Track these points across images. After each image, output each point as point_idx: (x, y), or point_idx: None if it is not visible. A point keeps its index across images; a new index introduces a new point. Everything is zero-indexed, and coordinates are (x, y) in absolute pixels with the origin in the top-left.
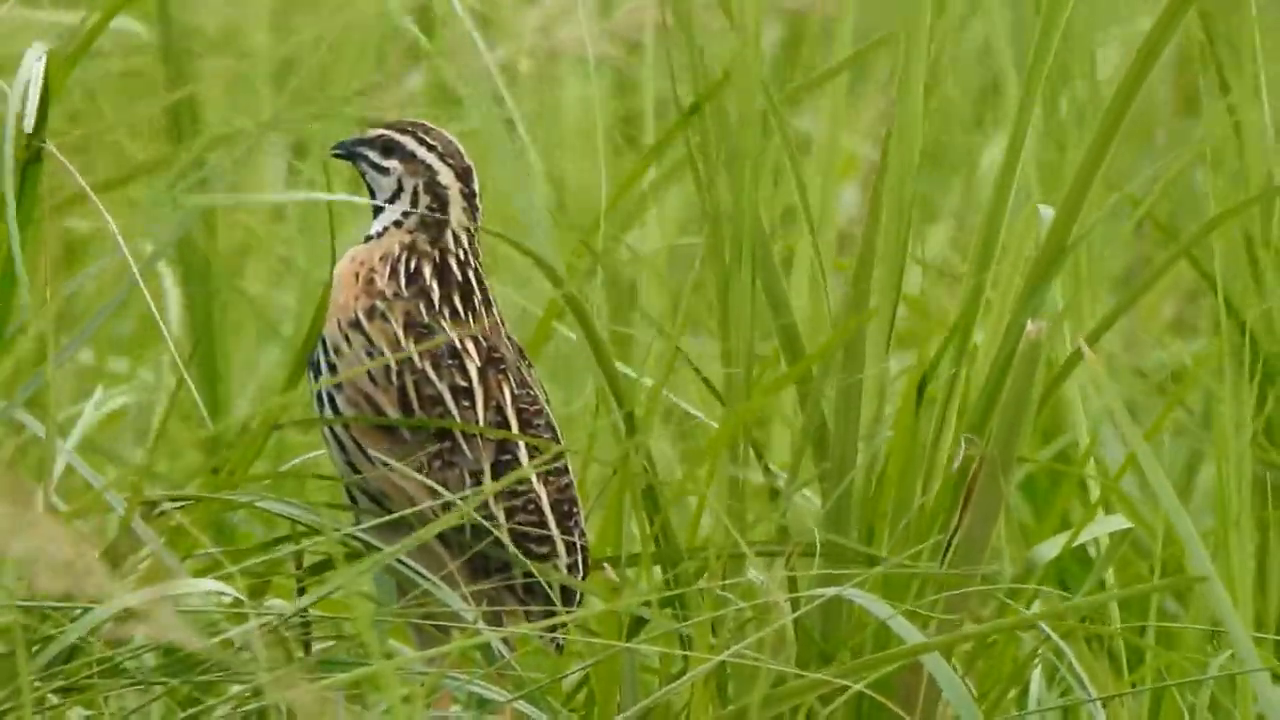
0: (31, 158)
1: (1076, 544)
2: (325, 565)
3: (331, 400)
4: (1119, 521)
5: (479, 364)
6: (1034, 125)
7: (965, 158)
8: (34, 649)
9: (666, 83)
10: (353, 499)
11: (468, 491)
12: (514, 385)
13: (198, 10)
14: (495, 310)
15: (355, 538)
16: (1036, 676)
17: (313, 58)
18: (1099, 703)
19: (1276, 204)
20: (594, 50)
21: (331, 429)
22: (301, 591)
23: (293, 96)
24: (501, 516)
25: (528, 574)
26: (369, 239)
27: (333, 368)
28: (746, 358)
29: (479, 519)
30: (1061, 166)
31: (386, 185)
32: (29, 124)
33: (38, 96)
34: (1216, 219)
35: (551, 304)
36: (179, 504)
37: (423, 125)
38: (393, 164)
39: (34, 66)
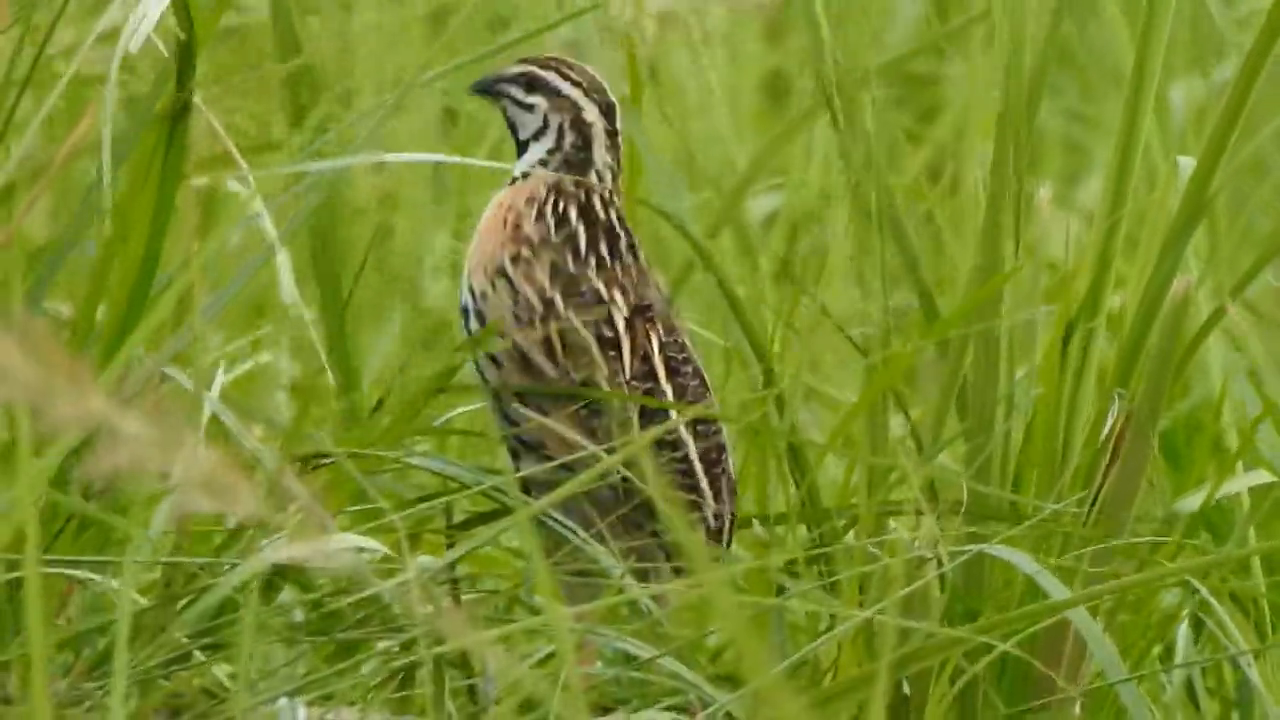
0: (178, 112)
1: (1219, 500)
2: (474, 523)
3: (488, 353)
4: (1261, 476)
5: (626, 314)
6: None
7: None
8: (181, 605)
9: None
10: (513, 453)
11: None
12: (661, 334)
13: None
14: (641, 254)
15: (504, 493)
16: (1183, 632)
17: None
18: (1248, 658)
19: None
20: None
21: (484, 376)
22: (450, 547)
23: (442, 48)
24: (651, 464)
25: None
26: (514, 180)
27: (480, 315)
28: (885, 315)
29: (629, 475)
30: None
31: (530, 122)
32: (137, 42)
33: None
34: None
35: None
36: (327, 460)
37: (565, 60)
38: (536, 100)
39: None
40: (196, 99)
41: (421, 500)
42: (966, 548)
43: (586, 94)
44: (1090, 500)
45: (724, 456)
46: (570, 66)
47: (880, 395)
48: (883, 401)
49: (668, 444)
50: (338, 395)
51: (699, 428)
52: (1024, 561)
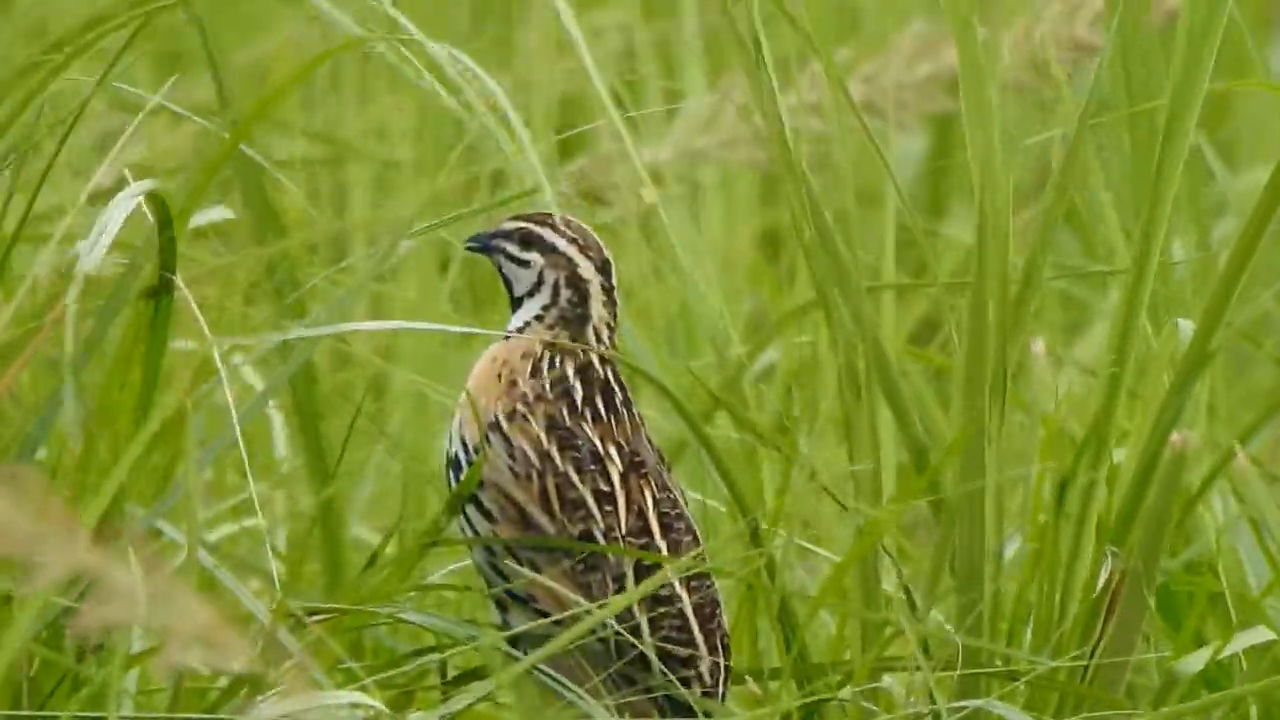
0: (161, 289)
1: (1219, 657)
2: (467, 678)
3: (476, 501)
4: (1262, 634)
5: (621, 469)
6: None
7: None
8: None
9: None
10: (500, 606)
11: (610, 600)
12: (655, 489)
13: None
14: (635, 410)
15: (498, 648)
16: None
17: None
18: None
19: None
20: (737, 156)
21: (473, 527)
22: (444, 702)
23: (433, 199)
24: (645, 624)
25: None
26: (508, 336)
27: (472, 465)
28: (874, 472)
29: (622, 631)
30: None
31: (525, 278)
32: (93, 261)
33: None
34: None
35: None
36: (321, 617)
37: (560, 216)
38: (532, 256)
39: (133, 198)
40: (178, 280)
41: (416, 655)
42: (963, 703)
43: (582, 250)
44: (1087, 658)
45: (718, 611)
46: (566, 223)
47: (871, 551)
48: (874, 558)
49: (663, 599)
50: (324, 551)
51: (693, 583)
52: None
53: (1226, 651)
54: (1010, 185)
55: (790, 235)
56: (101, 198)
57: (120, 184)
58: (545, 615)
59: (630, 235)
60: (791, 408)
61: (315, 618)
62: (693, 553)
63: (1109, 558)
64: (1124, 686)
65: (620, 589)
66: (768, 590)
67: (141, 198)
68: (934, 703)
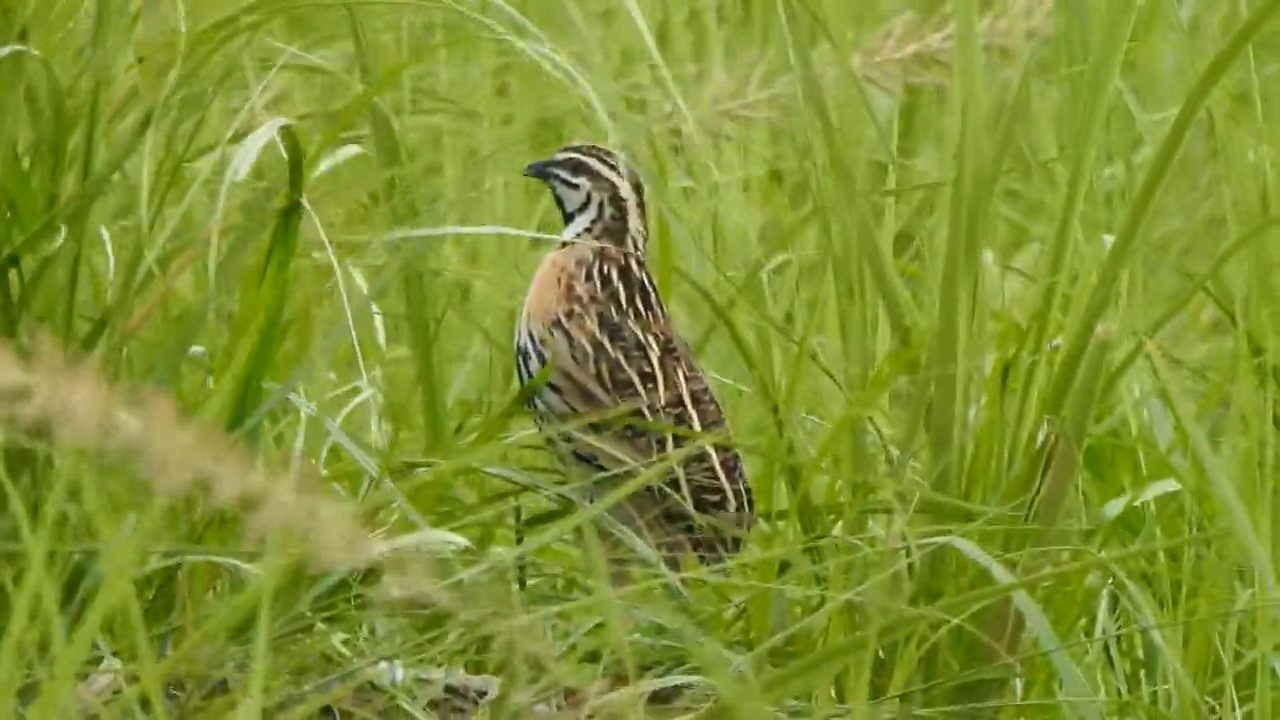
0: (291, 209)
1: (1134, 503)
2: (539, 521)
3: (549, 384)
4: (1169, 484)
5: (659, 354)
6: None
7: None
8: (305, 587)
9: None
10: (565, 465)
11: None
12: (686, 370)
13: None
14: (663, 306)
15: (563, 496)
16: (1102, 608)
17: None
18: (1155, 629)
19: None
20: (754, 115)
21: (545, 401)
22: (519, 541)
23: (505, 144)
24: (682, 474)
25: (701, 522)
26: (565, 244)
27: (541, 356)
28: (863, 358)
29: (661, 484)
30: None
31: (575, 198)
32: (243, 171)
33: (250, 159)
34: (1231, 248)
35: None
36: (422, 468)
37: (602, 147)
38: (581, 180)
39: (266, 136)
40: (305, 201)
41: (495, 500)
42: (931, 540)
43: (621, 175)
44: (1028, 504)
45: (739, 464)
46: (608, 153)
47: (860, 419)
48: (863, 424)
49: (697, 458)
50: (425, 421)
51: (719, 446)
52: (977, 553)
53: (1141, 499)
54: (983, 118)
55: (792, 173)
56: (241, 137)
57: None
58: (604, 470)
59: (670, 167)
60: (797, 302)
61: (415, 470)
62: (718, 424)
63: (1045, 424)
64: (1058, 529)
65: (662, 448)
66: (779, 453)
67: (278, 134)
68: (907, 540)
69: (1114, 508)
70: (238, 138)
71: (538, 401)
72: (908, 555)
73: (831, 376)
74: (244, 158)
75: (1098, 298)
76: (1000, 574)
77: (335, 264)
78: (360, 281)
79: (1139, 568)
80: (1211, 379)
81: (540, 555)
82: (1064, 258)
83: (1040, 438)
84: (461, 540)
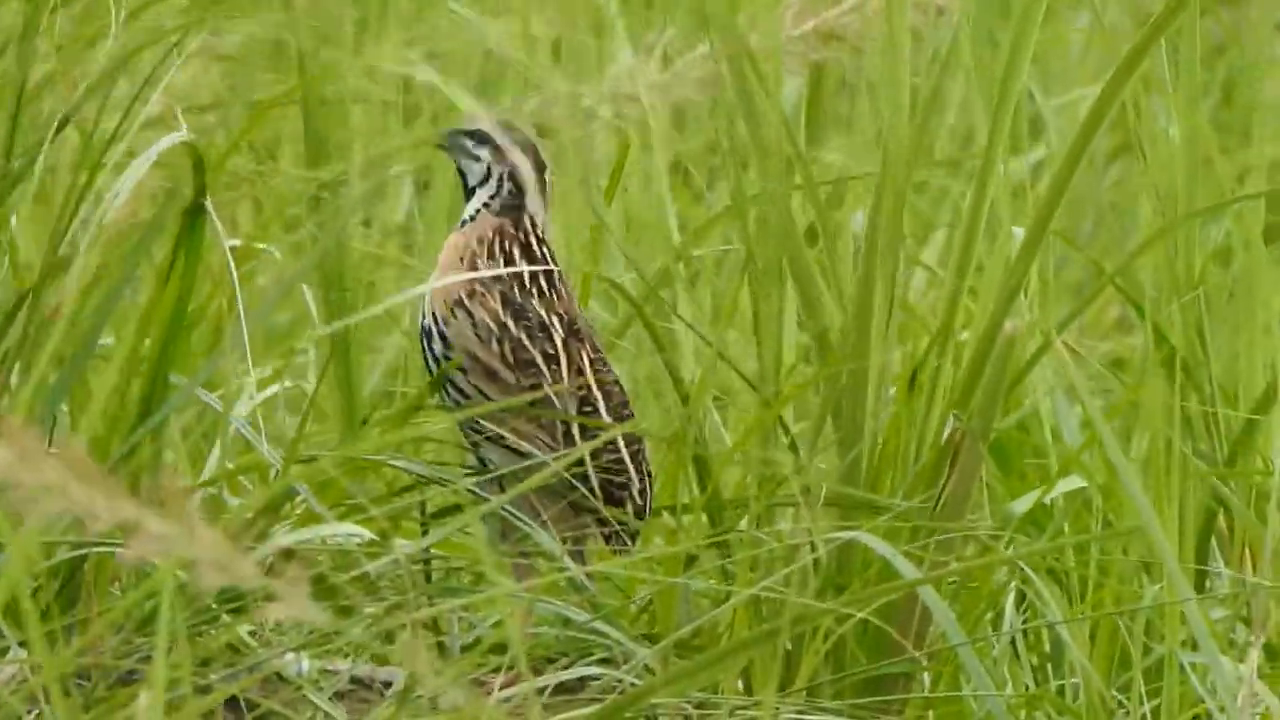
0: (196, 210)
1: (1040, 499)
2: (444, 512)
3: (447, 359)
4: (1076, 481)
5: (563, 335)
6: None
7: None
8: None
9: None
10: (475, 445)
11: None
12: (590, 351)
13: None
14: (568, 284)
15: (469, 490)
16: (1009, 602)
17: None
18: (1061, 624)
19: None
20: (661, 96)
21: (453, 382)
22: (424, 533)
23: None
24: (590, 464)
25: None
26: (464, 223)
27: (444, 336)
28: (775, 357)
29: (569, 475)
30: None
31: (477, 171)
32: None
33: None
34: (1141, 248)
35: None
36: (326, 459)
37: (507, 121)
38: (483, 152)
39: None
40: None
41: (400, 493)
42: (838, 535)
43: (523, 150)
44: (935, 499)
45: (643, 448)
46: (511, 127)
47: (767, 420)
48: (773, 421)
49: (604, 444)
50: (340, 412)
51: (605, 388)
52: (883, 547)
53: (1049, 496)
54: (906, 105)
55: (699, 161)
56: (154, 125)
57: (168, 112)
58: (514, 450)
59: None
60: (708, 299)
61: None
62: (621, 404)
63: (952, 419)
64: (964, 523)
65: (567, 430)
66: (686, 444)
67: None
68: (813, 535)
69: (1022, 504)
70: (149, 124)
71: (446, 385)
72: (814, 550)
73: (742, 375)
74: (137, 172)
75: (1005, 294)
76: (905, 568)
77: (232, 268)
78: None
79: (1046, 563)
80: (1120, 376)
81: (445, 549)
82: (972, 255)
83: (946, 433)
84: (366, 533)
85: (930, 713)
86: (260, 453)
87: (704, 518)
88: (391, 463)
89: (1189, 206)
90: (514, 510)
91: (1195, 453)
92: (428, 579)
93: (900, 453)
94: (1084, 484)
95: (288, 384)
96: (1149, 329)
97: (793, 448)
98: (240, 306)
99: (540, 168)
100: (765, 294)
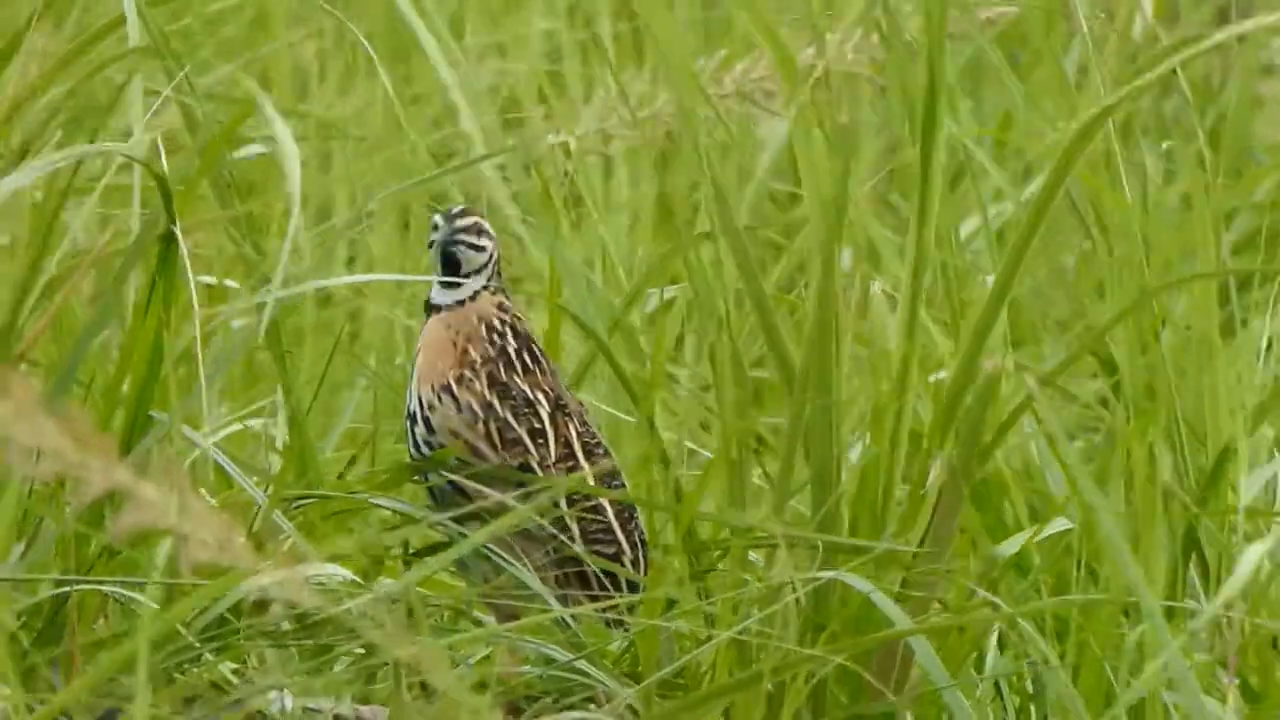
0: (168, 241)
1: (1029, 542)
2: (426, 552)
3: (429, 445)
4: (1062, 523)
5: (549, 410)
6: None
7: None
8: (193, 616)
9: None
10: (441, 501)
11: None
12: (577, 424)
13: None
14: (548, 359)
15: (452, 525)
16: (993, 644)
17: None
18: (1047, 666)
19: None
20: (636, 137)
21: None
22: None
23: (396, 169)
24: (576, 528)
25: (597, 567)
26: (449, 307)
27: (427, 421)
28: (738, 393)
29: (553, 531)
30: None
31: (479, 259)
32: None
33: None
34: (1111, 322)
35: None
36: (309, 501)
37: (471, 208)
38: (485, 241)
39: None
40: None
41: (383, 533)
42: (819, 574)
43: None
44: (919, 540)
45: (635, 515)
46: (481, 212)
47: (740, 453)
48: (742, 458)
49: (591, 509)
50: (292, 451)
51: (590, 451)
52: (866, 586)
53: (1036, 539)
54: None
55: (682, 198)
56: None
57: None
58: (470, 501)
59: (558, 196)
60: (672, 338)
61: (305, 503)
62: (612, 475)
63: (935, 461)
64: (946, 565)
65: (556, 505)
66: (659, 485)
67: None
68: (793, 576)
69: (1010, 547)
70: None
71: (429, 474)
72: (794, 589)
73: (708, 408)
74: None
75: (977, 342)
76: (886, 605)
77: (195, 306)
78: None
79: (1031, 609)
80: (1098, 415)
81: (429, 587)
82: (920, 288)
83: (932, 475)
84: (347, 573)
85: None
86: (244, 488)
87: (682, 560)
88: (376, 501)
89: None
90: (498, 551)
91: (1168, 492)
92: (409, 617)
93: (876, 494)
94: (1070, 525)
95: (258, 422)
96: (1125, 381)
97: (770, 486)
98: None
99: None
100: (720, 332)
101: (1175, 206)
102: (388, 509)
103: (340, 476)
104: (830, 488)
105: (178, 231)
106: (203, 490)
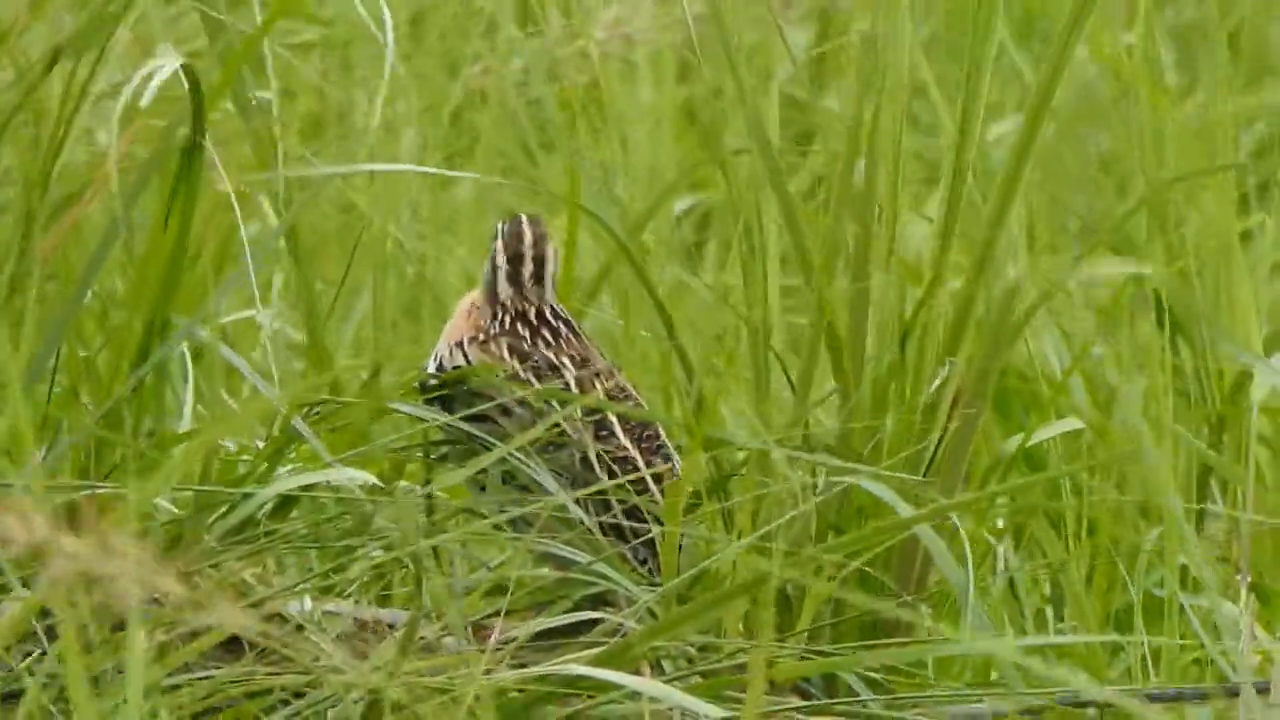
0: (194, 148)
1: (1035, 441)
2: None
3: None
4: (1072, 423)
5: (574, 371)
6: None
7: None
8: (214, 518)
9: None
10: (481, 490)
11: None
12: (604, 382)
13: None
14: (582, 334)
15: (474, 437)
16: (1006, 543)
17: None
18: (1059, 564)
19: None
20: (660, 39)
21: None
22: (428, 481)
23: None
24: (605, 476)
25: (625, 512)
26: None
27: (441, 368)
28: (763, 299)
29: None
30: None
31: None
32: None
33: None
34: (1133, 209)
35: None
36: (331, 405)
37: (526, 216)
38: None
39: (168, 71)
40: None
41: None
42: (841, 478)
43: (507, 242)
44: (936, 442)
45: (663, 441)
46: (518, 220)
47: (765, 360)
48: (766, 365)
49: (619, 459)
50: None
51: (643, 445)
52: (882, 490)
53: (1045, 437)
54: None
55: (703, 104)
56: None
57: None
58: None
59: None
60: (701, 241)
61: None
62: (648, 439)
63: (948, 366)
64: (964, 468)
65: (585, 460)
66: (681, 390)
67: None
68: (815, 476)
69: (1011, 445)
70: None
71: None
72: (815, 493)
73: (734, 309)
74: (146, 89)
75: (988, 239)
76: (905, 510)
77: (235, 204)
78: (269, 211)
79: (1043, 503)
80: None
81: (448, 492)
82: (959, 202)
83: (944, 379)
84: (369, 477)
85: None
86: (263, 395)
87: (703, 461)
88: (399, 407)
89: (1182, 159)
90: (526, 464)
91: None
92: (429, 520)
93: (900, 399)
94: (1080, 425)
95: (271, 326)
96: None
97: (791, 389)
98: (247, 251)
99: (515, 259)
100: (748, 240)
101: (1194, 114)
102: (409, 414)
103: (370, 377)
104: (857, 394)
105: (207, 142)
106: (222, 393)
